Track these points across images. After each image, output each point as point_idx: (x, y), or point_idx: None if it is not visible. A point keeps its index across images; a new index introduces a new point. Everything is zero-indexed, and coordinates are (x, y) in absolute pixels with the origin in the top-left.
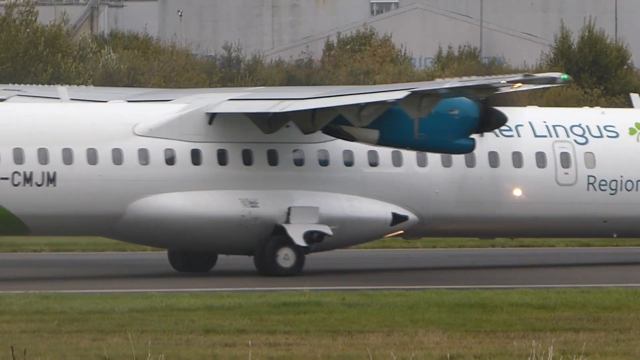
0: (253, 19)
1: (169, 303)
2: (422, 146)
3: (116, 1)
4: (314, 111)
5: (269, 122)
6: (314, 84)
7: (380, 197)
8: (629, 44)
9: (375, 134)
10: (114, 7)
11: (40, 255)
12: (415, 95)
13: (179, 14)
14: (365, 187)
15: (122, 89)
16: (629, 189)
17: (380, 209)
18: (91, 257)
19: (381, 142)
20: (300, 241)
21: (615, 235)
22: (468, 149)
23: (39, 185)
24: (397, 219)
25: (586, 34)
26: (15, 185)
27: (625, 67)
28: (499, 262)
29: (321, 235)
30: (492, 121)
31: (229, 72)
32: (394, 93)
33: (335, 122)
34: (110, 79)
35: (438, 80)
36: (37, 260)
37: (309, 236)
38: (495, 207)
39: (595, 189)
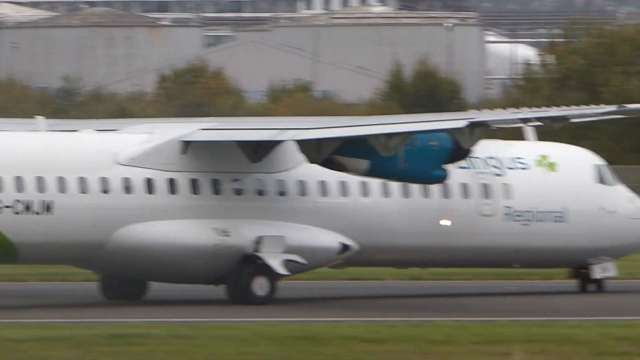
0: (87, 50)
1: None
2: (405, 177)
3: None
4: (319, 141)
5: (256, 150)
6: (148, 117)
7: (330, 226)
8: (462, 78)
9: (365, 164)
10: None
11: None
12: (472, 126)
13: (13, 45)
14: (317, 217)
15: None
16: (539, 220)
17: (330, 238)
18: None
19: (369, 173)
20: (281, 270)
21: (516, 266)
22: (443, 179)
23: (38, 214)
24: (344, 248)
25: (420, 68)
26: (17, 213)
27: (459, 101)
28: (330, 294)
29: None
30: (461, 152)
31: (62, 104)
32: (453, 122)
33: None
34: None
35: (510, 110)
36: None
37: (287, 265)
38: (427, 237)
39: (511, 220)
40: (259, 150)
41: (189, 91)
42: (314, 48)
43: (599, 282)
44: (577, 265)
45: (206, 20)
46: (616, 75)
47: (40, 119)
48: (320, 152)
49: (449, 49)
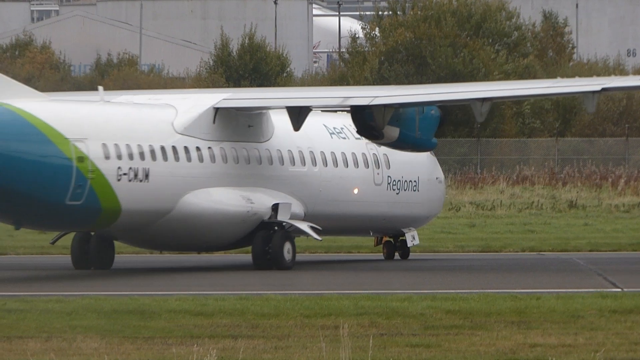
0: None
1: None
2: (417, 145)
3: None
4: (384, 107)
5: (299, 118)
6: None
7: (295, 195)
8: (289, 52)
9: (397, 132)
10: None
11: None
12: (604, 91)
13: None
14: (289, 186)
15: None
16: (405, 189)
17: (299, 206)
18: None
19: (396, 141)
20: (316, 235)
21: (371, 234)
22: (435, 146)
23: (141, 181)
24: (304, 216)
25: (246, 41)
26: (129, 181)
27: (285, 74)
28: (158, 267)
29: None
30: (444, 121)
31: None
32: (589, 86)
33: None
34: None
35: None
36: None
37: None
38: (346, 205)
39: (391, 189)
40: (301, 118)
41: (18, 65)
42: (139, 22)
43: (404, 251)
44: (387, 234)
45: None
46: (444, 49)
47: (100, 89)
48: (384, 119)
49: (275, 23)
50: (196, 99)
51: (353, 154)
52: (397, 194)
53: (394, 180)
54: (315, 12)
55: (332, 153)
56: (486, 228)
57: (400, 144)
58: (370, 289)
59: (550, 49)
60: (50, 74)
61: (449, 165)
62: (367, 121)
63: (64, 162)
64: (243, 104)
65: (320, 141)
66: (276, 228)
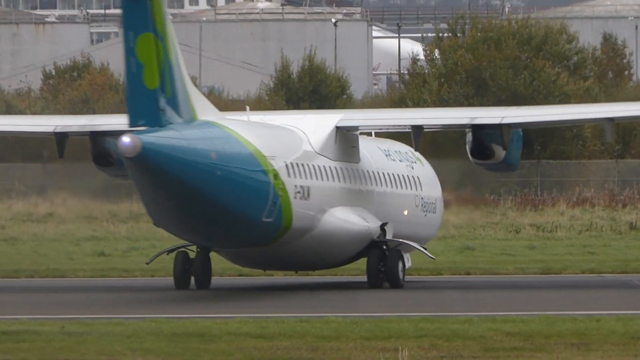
0: None
1: None
2: (512, 166)
3: None
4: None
5: (419, 137)
6: (33, 113)
7: (377, 213)
8: (348, 74)
9: (504, 152)
10: None
11: None
12: None
13: None
14: (375, 205)
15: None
16: (429, 211)
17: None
18: None
19: (501, 161)
20: (430, 254)
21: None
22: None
23: (304, 199)
24: None
25: (307, 64)
26: (299, 199)
27: (345, 96)
28: (218, 290)
29: None
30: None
31: None
32: None
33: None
34: None
35: None
36: None
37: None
38: (400, 225)
39: (422, 211)
40: (420, 138)
41: (75, 87)
42: (199, 44)
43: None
44: None
45: (92, 17)
46: (504, 71)
47: (248, 109)
48: (510, 138)
49: (335, 45)
50: (314, 119)
51: (402, 175)
52: (425, 215)
53: (424, 202)
54: (375, 34)
55: (392, 175)
56: (546, 250)
57: (501, 165)
58: (430, 311)
59: (610, 71)
60: (109, 95)
61: (509, 187)
62: (486, 141)
63: (265, 178)
64: (369, 123)
65: (384, 163)
66: (384, 247)
